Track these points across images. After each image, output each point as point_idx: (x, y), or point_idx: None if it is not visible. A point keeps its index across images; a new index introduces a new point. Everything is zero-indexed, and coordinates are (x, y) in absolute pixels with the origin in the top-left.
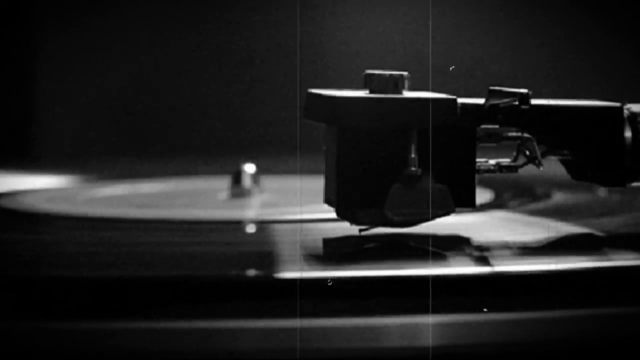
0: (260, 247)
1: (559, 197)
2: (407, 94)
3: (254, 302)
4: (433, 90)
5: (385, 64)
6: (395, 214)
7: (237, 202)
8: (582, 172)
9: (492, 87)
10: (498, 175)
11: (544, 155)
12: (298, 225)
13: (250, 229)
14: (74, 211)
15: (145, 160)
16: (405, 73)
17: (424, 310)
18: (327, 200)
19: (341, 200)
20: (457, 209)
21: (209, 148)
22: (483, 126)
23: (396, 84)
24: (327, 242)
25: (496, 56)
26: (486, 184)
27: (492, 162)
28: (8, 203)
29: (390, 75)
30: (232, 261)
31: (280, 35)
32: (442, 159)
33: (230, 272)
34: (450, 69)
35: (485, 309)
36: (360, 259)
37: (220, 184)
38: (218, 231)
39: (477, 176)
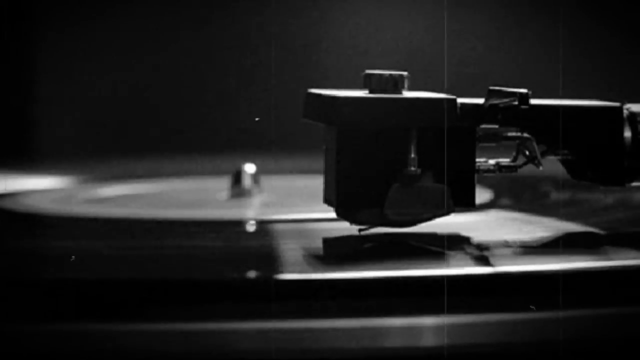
0: (260, 247)
1: (558, 197)
2: (407, 93)
3: (253, 302)
4: (433, 91)
5: (385, 63)
6: (395, 213)
7: (237, 202)
8: (581, 171)
9: (491, 87)
10: (498, 175)
11: (543, 155)
12: (298, 225)
13: (250, 229)
14: (74, 212)
15: (145, 160)
16: (404, 73)
17: (424, 310)
18: (327, 200)
19: (341, 200)
20: (456, 209)
21: (209, 148)
22: (483, 126)
23: (396, 84)
24: (327, 242)
25: (496, 56)
26: (486, 184)
27: (491, 162)
28: (8, 204)
29: (390, 75)
30: (232, 261)
31: (280, 35)
32: (441, 158)
33: (230, 273)
34: None
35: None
36: (360, 259)
37: (220, 184)
38: (218, 231)
39: (476, 176)
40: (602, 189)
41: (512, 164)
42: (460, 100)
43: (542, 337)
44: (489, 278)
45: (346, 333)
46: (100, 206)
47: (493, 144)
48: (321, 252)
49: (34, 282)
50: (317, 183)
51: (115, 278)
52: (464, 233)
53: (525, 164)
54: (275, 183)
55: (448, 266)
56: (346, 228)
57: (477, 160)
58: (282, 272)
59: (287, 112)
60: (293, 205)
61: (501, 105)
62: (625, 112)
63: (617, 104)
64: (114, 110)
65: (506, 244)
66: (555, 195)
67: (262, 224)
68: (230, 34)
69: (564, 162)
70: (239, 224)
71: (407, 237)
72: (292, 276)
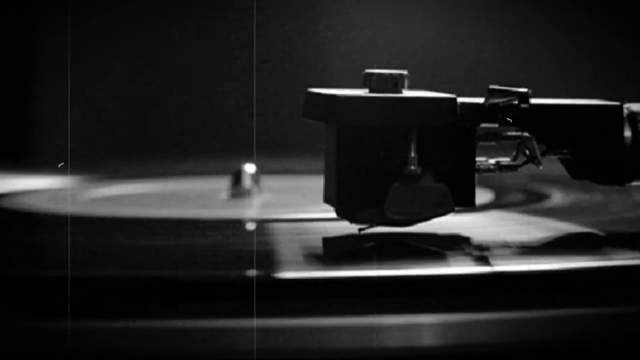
0: (260, 247)
1: (558, 197)
2: (407, 93)
3: (253, 302)
4: (433, 90)
5: (385, 63)
6: (395, 213)
7: (237, 202)
8: (581, 171)
9: (491, 86)
10: (498, 174)
11: (543, 154)
12: (298, 224)
13: (250, 228)
14: (73, 211)
15: (145, 160)
16: (404, 72)
17: (423, 309)
18: (327, 200)
19: (341, 199)
20: (456, 208)
21: (209, 148)
22: (483, 125)
23: (396, 83)
24: (327, 241)
25: (496, 56)
26: (486, 184)
27: (491, 161)
28: (8, 203)
29: (390, 74)
30: (232, 261)
31: (279, 35)
32: (441, 158)
33: (230, 272)
34: None
35: None
36: (360, 259)
37: (220, 184)
38: (218, 231)
39: (476, 175)
40: (602, 188)
41: (512, 163)
42: (460, 99)
43: (541, 337)
44: (488, 278)
45: (346, 332)
46: (100, 206)
47: (493, 143)
48: (321, 252)
49: (33, 281)
50: (317, 183)
51: (114, 277)
52: (464, 233)
53: (525, 163)
54: (275, 183)
55: (447, 266)
56: (346, 227)
57: (477, 159)
58: (282, 271)
59: (287, 112)
60: (293, 205)
61: (501, 105)
62: (625, 111)
63: (617, 103)
64: (114, 110)
65: (505, 244)
66: (554, 195)
67: (262, 223)
68: (230, 34)
69: (563, 162)
70: (239, 223)
71: (407, 237)
72: (292, 275)
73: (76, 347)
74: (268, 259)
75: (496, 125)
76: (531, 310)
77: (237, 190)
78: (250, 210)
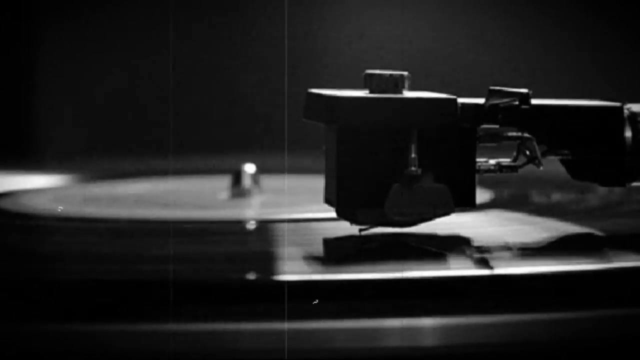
0: (260, 248)
1: (558, 197)
2: (408, 93)
3: (253, 303)
4: (433, 90)
5: (386, 63)
6: (396, 213)
7: (237, 202)
8: (582, 172)
9: (492, 87)
10: (498, 175)
11: (544, 155)
12: (298, 225)
13: (250, 229)
14: (73, 211)
15: (145, 160)
16: (405, 73)
17: (424, 311)
18: (327, 200)
19: (341, 200)
20: (457, 209)
21: (209, 148)
22: (483, 126)
23: (396, 84)
24: (327, 242)
25: (496, 56)
26: (486, 184)
27: (492, 162)
28: (7, 203)
29: (391, 75)
30: (232, 262)
31: (279, 35)
32: (442, 159)
33: (230, 273)
34: None
35: None
36: (360, 259)
37: (220, 184)
38: (218, 231)
39: (477, 176)
40: (602, 189)
41: (512, 164)
42: (460, 100)
43: (541, 338)
44: (488, 279)
45: (346, 334)
46: (99, 206)
47: (494, 144)
48: (321, 253)
49: (32, 282)
50: (317, 183)
51: (114, 278)
52: (464, 233)
53: (525, 164)
54: (275, 183)
55: (448, 267)
56: (346, 228)
57: (478, 160)
58: (281, 272)
59: (287, 112)
60: (293, 205)
61: (502, 105)
62: (625, 112)
63: (617, 104)
64: (113, 109)
65: (506, 245)
66: (555, 196)
67: (262, 224)
68: (230, 34)
69: (564, 162)
70: (239, 224)
71: (408, 238)
72: (292, 277)
73: (75, 347)
74: (268, 259)
75: (497, 126)
76: (531, 311)
77: (237, 190)
78: (250, 211)
